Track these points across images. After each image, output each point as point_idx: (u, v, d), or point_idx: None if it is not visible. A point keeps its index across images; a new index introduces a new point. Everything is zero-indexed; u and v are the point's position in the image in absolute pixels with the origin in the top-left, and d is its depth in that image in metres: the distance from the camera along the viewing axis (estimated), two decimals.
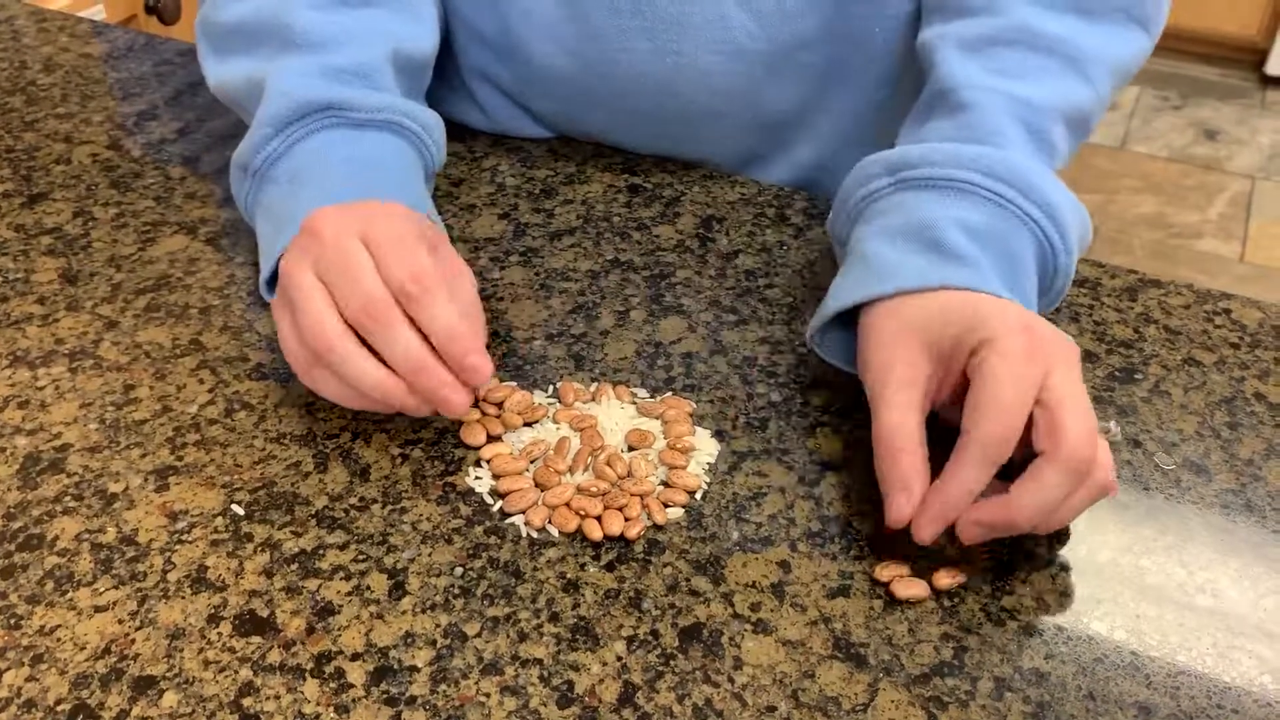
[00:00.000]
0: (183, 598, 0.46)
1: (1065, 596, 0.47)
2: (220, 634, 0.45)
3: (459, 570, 0.47)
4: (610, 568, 0.48)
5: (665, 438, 0.53)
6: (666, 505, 0.50)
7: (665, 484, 0.51)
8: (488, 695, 0.43)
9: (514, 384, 0.56)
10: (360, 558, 0.48)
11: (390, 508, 0.50)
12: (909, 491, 0.47)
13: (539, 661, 0.44)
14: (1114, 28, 0.60)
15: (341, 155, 0.58)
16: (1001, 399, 0.46)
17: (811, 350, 0.57)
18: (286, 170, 0.59)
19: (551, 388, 0.56)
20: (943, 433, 0.49)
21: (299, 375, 0.51)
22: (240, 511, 0.50)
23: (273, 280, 0.57)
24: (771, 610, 0.46)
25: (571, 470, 0.51)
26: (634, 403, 0.55)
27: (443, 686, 0.43)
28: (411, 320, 0.49)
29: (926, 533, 0.46)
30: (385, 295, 0.49)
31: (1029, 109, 0.57)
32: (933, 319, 0.50)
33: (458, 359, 0.48)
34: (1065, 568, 0.48)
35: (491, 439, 0.53)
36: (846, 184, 0.59)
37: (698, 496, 0.51)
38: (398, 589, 0.46)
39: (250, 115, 0.63)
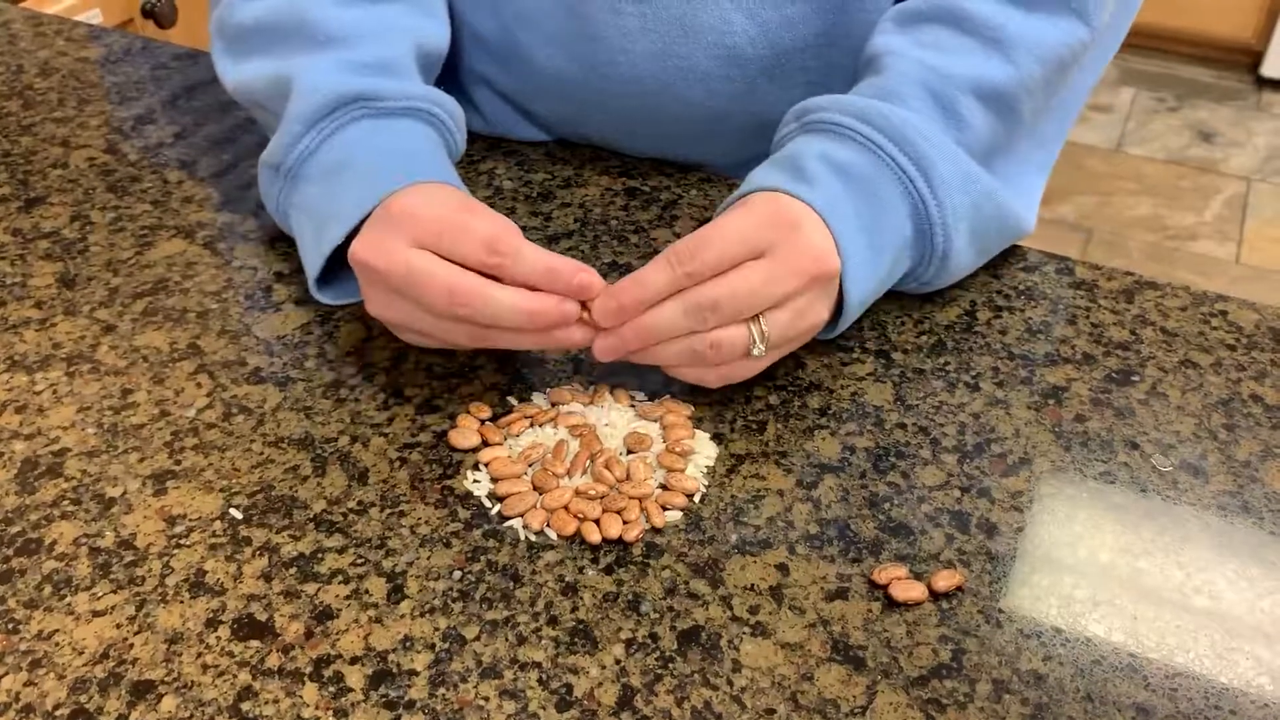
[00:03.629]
0: (181, 602, 0.46)
1: (1063, 598, 0.47)
2: (219, 638, 0.45)
3: (457, 574, 0.47)
4: (609, 571, 0.48)
5: (663, 441, 0.53)
6: (665, 508, 0.50)
7: (663, 487, 0.51)
8: (486, 699, 0.43)
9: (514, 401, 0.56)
10: (359, 561, 0.48)
11: (388, 511, 0.50)
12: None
13: (538, 665, 0.44)
14: (1049, 16, 0.61)
15: (374, 145, 0.59)
16: (715, 225, 0.51)
17: None
18: (321, 166, 0.59)
19: (549, 390, 0.56)
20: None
21: (413, 341, 0.55)
22: (238, 515, 0.50)
23: (320, 279, 0.59)
24: (770, 613, 0.46)
25: (570, 473, 0.51)
26: (632, 406, 0.55)
27: (441, 690, 0.43)
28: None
29: (598, 306, 0.50)
30: (505, 225, 0.51)
31: (937, 76, 0.59)
32: (742, 211, 0.53)
33: (564, 281, 0.50)
34: (1063, 569, 0.48)
35: (488, 444, 0.53)
36: (775, 135, 0.63)
37: (696, 499, 0.51)
38: (396, 593, 0.46)
39: (273, 114, 0.63)
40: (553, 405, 0.55)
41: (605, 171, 0.74)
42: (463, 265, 0.50)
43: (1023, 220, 0.63)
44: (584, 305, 0.50)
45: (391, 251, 0.51)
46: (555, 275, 0.50)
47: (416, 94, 0.61)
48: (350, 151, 0.58)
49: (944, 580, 0.47)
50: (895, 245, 0.57)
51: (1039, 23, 0.60)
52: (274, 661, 0.44)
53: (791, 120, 0.61)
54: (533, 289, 0.50)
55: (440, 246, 0.51)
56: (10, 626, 0.45)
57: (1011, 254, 0.67)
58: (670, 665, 0.44)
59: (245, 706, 0.42)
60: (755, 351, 0.51)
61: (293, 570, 0.47)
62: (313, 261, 0.57)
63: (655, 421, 0.54)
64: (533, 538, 0.49)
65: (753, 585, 0.47)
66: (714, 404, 0.56)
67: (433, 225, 0.51)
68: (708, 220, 0.69)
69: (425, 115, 0.62)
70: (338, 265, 0.60)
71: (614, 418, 0.54)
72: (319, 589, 0.47)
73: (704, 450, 0.53)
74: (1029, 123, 0.62)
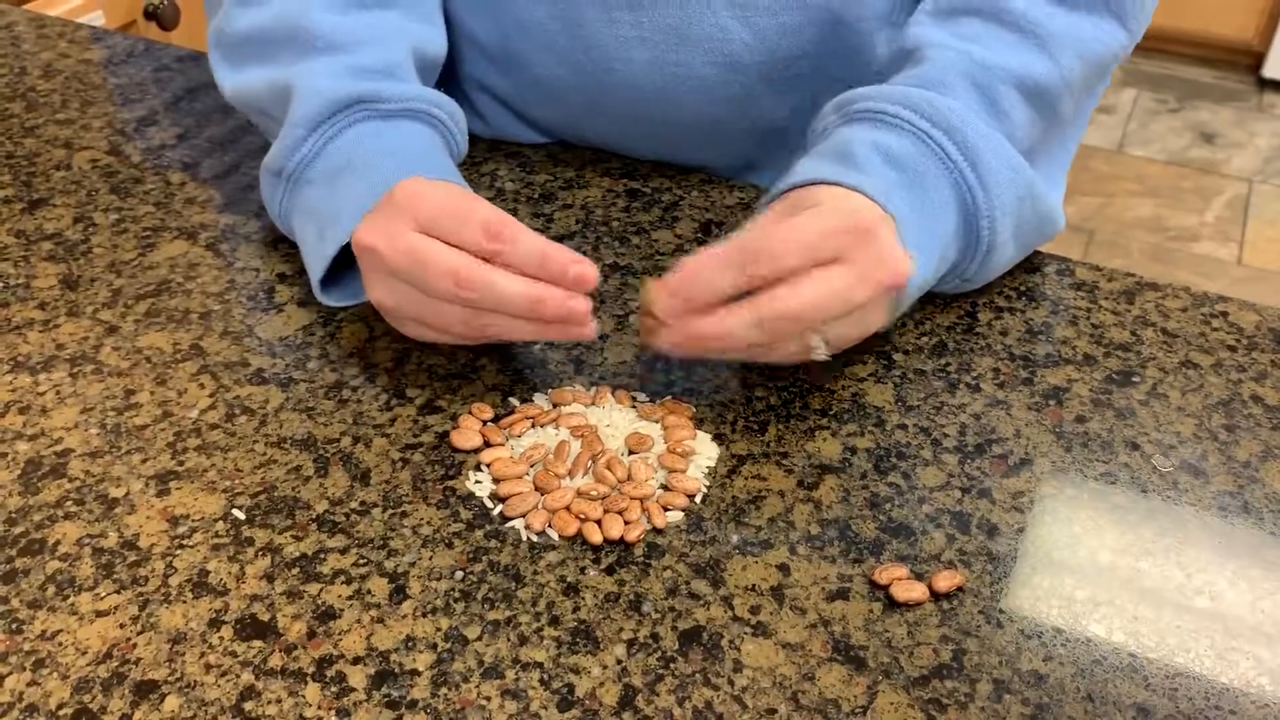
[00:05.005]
0: (184, 602, 0.46)
1: (1063, 599, 0.47)
2: (221, 638, 0.45)
3: (459, 574, 0.47)
4: (610, 571, 0.48)
5: (665, 441, 0.53)
6: (666, 509, 0.50)
7: (665, 487, 0.51)
8: (488, 699, 0.43)
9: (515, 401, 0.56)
10: (361, 562, 0.48)
11: (391, 512, 0.50)
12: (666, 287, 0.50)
13: (539, 665, 0.44)
14: (1090, 16, 0.61)
15: (376, 147, 0.59)
16: (789, 224, 0.49)
17: None
18: (323, 170, 0.59)
19: (551, 391, 0.56)
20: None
21: (411, 332, 0.54)
22: (241, 516, 0.50)
23: (324, 281, 0.59)
24: (771, 613, 0.46)
25: (571, 474, 0.51)
26: (634, 406, 0.55)
27: (443, 690, 0.43)
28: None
29: (662, 305, 0.50)
30: (503, 213, 0.51)
31: (979, 67, 0.58)
32: (793, 200, 0.53)
33: (562, 273, 0.50)
34: (1064, 570, 0.48)
35: (490, 444, 0.53)
36: (811, 128, 0.63)
37: (697, 500, 0.51)
38: (398, 593, 0.47)
39: (274, 120, 0.63)
40: (554, 406, 0.55)
41: (607, 173, 0.74)
42: (462, 249, 0.51)
43: (1058, 217, 0.62)
44: (592, 295, 0.51)
45: (395, 234, 0.51)
46: (549, 262, 0.50)
47: (416, 95, 0.61)
48: (352, 153, 0.59)
49: (945, 581, 0.47)
50: (943, 237, 0.56)
51: (1080, 21, 0.60)
52: (276, 661, 0.44)
53: (831, 112, 0.61)
54: (532, 277, 0.50)
55: (441, 230, 0.51)
56: (14, 626, 0.45)
57: None
58: (672, 665, 0.44)
59: (248, 706, 0.42)
60: (816, 356, 0.51)
61: (295, 570, 0.47)
62: (316, 263, 0.58)
63: (656, 422, 0.54)
64: (534, 538, 0.49)
65: (754, 585, 0.47)
66: (715, 405, 0.56)
67: (434, 209, 0.51)
68: (711, 221, 0.69)
69: (425, 116, 0.62)
70: (341, 267, 0.60)
71: (615, 418, 0.54)
72: (321, 589, 0.47)
73: (705, 451, 0.53)
74: (1067, 124, 0.62)
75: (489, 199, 0.71)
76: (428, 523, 0.50)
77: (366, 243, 0.52)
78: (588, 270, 0.50)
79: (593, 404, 0.55)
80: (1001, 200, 0.56)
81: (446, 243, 0.51)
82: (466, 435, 0.53)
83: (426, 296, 0.52)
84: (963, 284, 0.61)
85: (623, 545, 0.49)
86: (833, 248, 0.49)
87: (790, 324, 0.49)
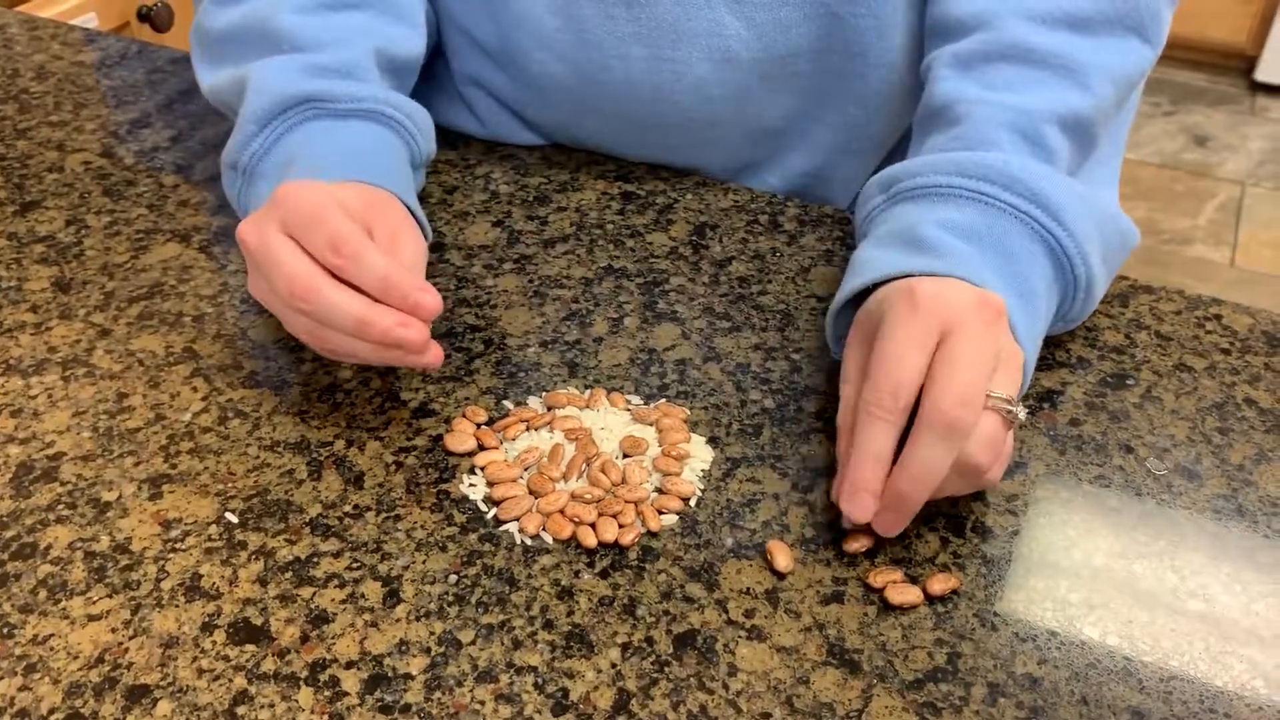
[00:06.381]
0: (176, 606, 0.46)
1: (1058, 602, 0.47)
2: (214, 642, 0.45)
3: (453, 578, 0.47)
4: (604, 575, 0.48)
5: (659, 445, 0.53)
6: (661, 512, 0.50)
7: (659, 490, 0.51)
8: (482, 703, 0.42)
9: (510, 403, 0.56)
10: (354, 565, 0.48)
11: (384, 515, 0.50)
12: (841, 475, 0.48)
13: (533, 669, 0.44)
14: (1110, 39, 0.60)
15: (322, 146, 0.59)
16: (883, 352, 0.47)
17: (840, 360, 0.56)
18: (274, 165, 0.59)
19: (545, 394, 0.56)
20: None
21: (285, 323, 0.52)
22: (234, 519, 0.50)
23: None
24: (765, 617, 0.46)
25: (566, 477, 0.51)
26: (628, 409, 0.55)
27: (437, 694, 0.43)
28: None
29: (850, 504, 0.47)
30: (354, 229, 0.49)
31: (1019, 114, 0.57)
32: (872, 304, 0.51)
33: (398, 298, 0.49)
34: (1058, 573, 0.48)
35: (484, 447, 0.53)
36: (856, 212, 0.61)
37: (692, 503, 0.51)
38: (392, 597, 0.46)
39: (236, 115, 0.63)
40: (548, 409, 0.55)
41: (601, 175, 0.74)
42: (314, 259, 0.49)
43: (1131, 227, 0.59)
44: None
45: (262, 232, 0.50)
46: (390, 288, 0.49)
47: (369, 95, 0.61)
48: (299, 151, 0.59)
49: (939, 584, 0.47)
50: (1044, 288, 0.54)
51: (1104, 45, 0.60)
52: (270, 665, 0.44)
53: (876, 193, 0.59)
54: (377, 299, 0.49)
55: (298, 234, 0.50)
56: (5, 631, 0.45)
57: None
58: (666, 669, 0.44)
59: (241, 711, 0.42)
60: (1019, 418, 0.48)
61: (288, 574, 0.47)
62: None
63: (651, 425, 0.54)
64: (528, 541, 0.49)
65: (748, 589, 0.47)
66: (710, 408, 0.56)
67: (296, 213, 0.50)
68: (705, 223, 0.69)
69: (380, 117, 0.62)
70: None
71: (610, 421, 0.54)
72: (315, 593, 0.46)
73: (700, 454, 0.53)
74: (1102, 145, 0.61)
75: (483, 201, 0.71)
76: (421, 526, 0.49)
77: (240, 234, 0.51)
78: (427, 300, 0.49)
79: (587, 407, 0.55)
80: (1085, 233, 0.54)
81: (302, 248, 0.50)
82: (460, 438, 0.53)
83: (279, 299, 0.51)
84: (1066, 325, 0.58)
85: (617, 549, 0.49)
86: (930, 341, 0.47)
87: (965, 408, 0.45)
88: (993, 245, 0.53)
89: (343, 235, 0.49)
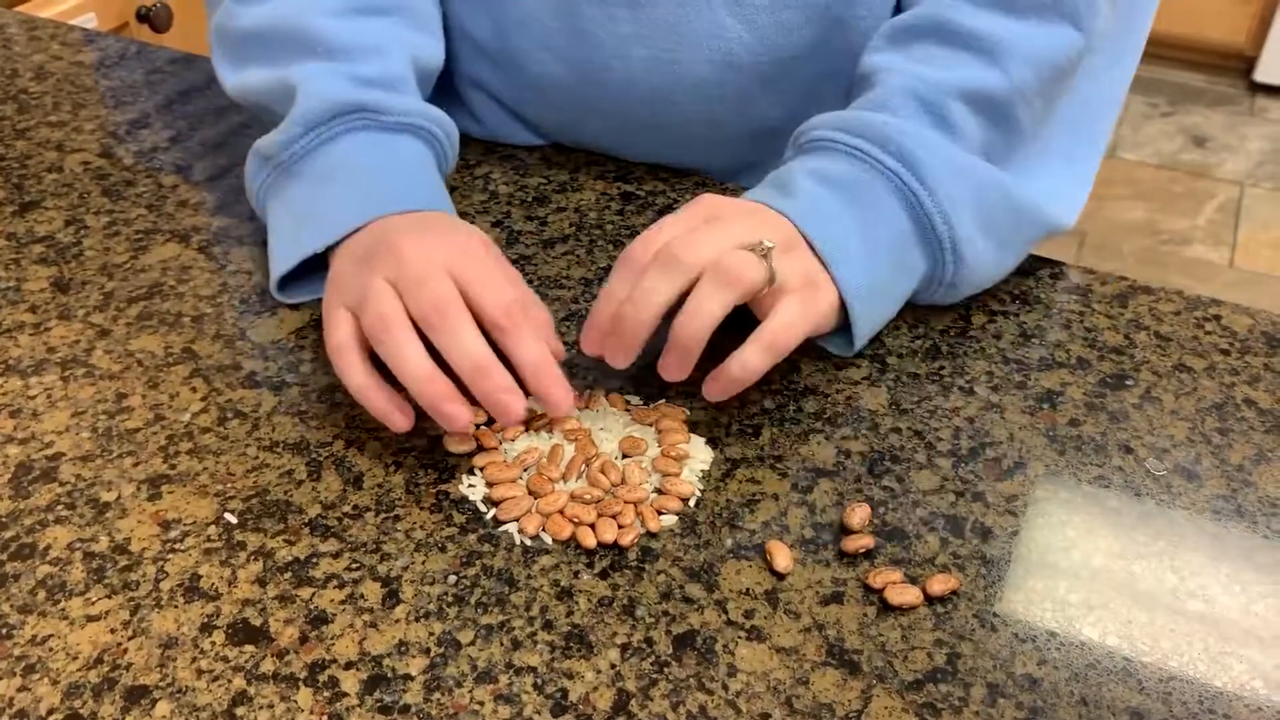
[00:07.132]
0: (175, 607, 0.46)
1: (1057, 603, 0.47)
2: (213, 643, 0.44)
3: (452, 578, 0.47)
4: (604, 575, 0.48)
5: (659, 445, 0.53)
6: (660, 512, 0.50)
7: (659, 491, 0.51)
8: (481, 704, 0.42)
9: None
10: (354, 566, 0.48)
11: (384, 516, 0.50)
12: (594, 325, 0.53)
13: (533, 669, 0.44)
14: (1041, 23, 0.61)
15: (370, 159, 0.60)
16: (702, 233, 0.52)
17: None
18: (313, 168, 0.60)
19: None
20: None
21: (335, 358, 0.52)
22: (233, 520, 0.50)
23: (283, 279, 0.59)
24: (765, 617, 0.46)
25: (565, 478, 0.51)
26: (628, 410, 0.55)
27: (436, 695, 0.43)
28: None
29: (606, 348, 0.52)
30: (458, 298, 0.51)
31: (925, 84, 0.59)
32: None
33: (542, 389, 0.51)
34: (1057, 573, 0.48)
35: (483, 448, 0.53)
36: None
37: (691, 503, 0.51)
38: (391, 597, 0.46)
39: (275, 116, 0.64)
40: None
41: (601, 176, 0.74)
42: (435, 298, 0.51)
43: (1048, 213, 0.62)
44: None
45: (369, 285, 0.52)
46: (539, 374, 0.50)
47: (417, 111, 0.62)
48: (345, 160, 0.59)
49: (939, 584, 0.47)
50: (893, 240, 0.57)
51: (1030, 30, 0.61)
52: (269, 666, 0.44)
53: (790, 146, 0.63)
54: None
55: (401, 288, 0.51)
56: (4, 631, 0.45)
57: None
58: (665, 670, 0.44)
59: (240, 711, 0.42)
60: (767, 245, 0.52)
61: (287, 575, 0.47)
62: (283, 257, 0.59)
63: (650, 426, 0.54)
64: (528, 542, 0.49)
65: (748, 589, 0.47)
66: (709, 408, 0.56)
67: (402, 267, 0.51)
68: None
69: (424, 133, 0.63)
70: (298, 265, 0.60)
71: (609, 422, 0.54)
72: (314, 594, 0.46)
73: (699, 454, 0.53)
74: (1030, 130, 0.62)
75: (482, 202, 0.71)
76: (421, 527, 0.49)
77: (335, 275, 0.54)
78: (515, 404, 0.50)
79: (586, 407, 0.55)
80: (950, 195, 0.57)
81: (402, 300, 0.51)
82: (460, 439, 0.53)
83: (382, 317, 0.51)
84: (950, 291, 0.60)
85: (616, 549, 0.49)
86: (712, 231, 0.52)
87: (690, 250, 0.51)
88: (847, 191, 0.57)
89: (447, 300, 0.50)
